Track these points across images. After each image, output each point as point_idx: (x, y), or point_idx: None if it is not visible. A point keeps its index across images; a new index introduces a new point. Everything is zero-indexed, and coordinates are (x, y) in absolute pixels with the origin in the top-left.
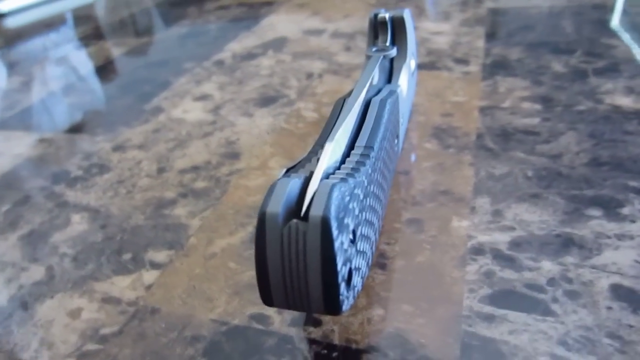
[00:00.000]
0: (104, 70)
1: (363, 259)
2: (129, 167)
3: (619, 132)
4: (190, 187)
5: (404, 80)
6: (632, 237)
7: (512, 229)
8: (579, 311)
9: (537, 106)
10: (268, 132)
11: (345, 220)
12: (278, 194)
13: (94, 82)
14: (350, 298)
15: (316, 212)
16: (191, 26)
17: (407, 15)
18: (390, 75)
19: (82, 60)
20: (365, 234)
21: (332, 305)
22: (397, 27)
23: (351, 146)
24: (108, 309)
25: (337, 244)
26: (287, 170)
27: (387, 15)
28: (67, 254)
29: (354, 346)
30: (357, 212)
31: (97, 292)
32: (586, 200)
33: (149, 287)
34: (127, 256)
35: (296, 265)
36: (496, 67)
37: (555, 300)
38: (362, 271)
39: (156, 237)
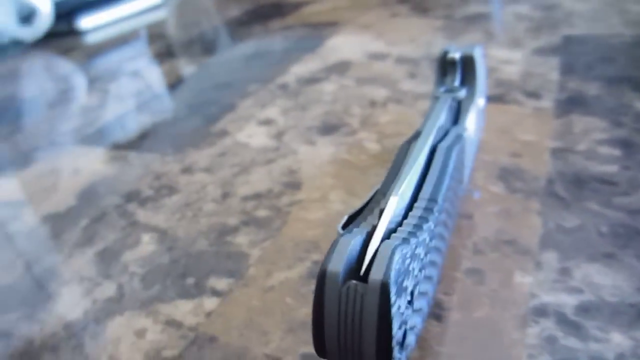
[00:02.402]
0: (174, 88)
1: (419, 316)
2: (195, 190)
3: None
4: (252, 215)
5: (471, 121)
6: None
7: (580, 291)
8: None
9: (617, 152)
10: (329, 162)
11: (405, 283)
12: (340, 252)
13: (166, 101)
14: (404, 358)
15: (376, 276)
16: (256, 46)
17: (477, 53)
18: (457, 116)
19: (155, 78)
20: (423, 291)
21: None
22: (467, 66)
23: (414, 197)
24: (170, 331)
25: (394, 309)
26: (349, 218)
27: (456, 56)
28: (136, 274)
29: None
30: (416, 272)
31: (161, 314)
32: None
33: (209, 315)
34: (190, 280)
35: (351, 324)
36: (571, 104)
37: None
38: (417, 329)
39: (218, 264)
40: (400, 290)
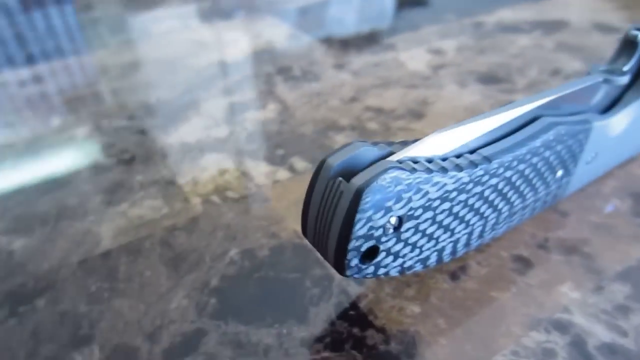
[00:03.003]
0: None
1: (412, 250)
2: (333, 85)
3: None
4: (362, 124)
5: (625, 118)
6: None
7: (624, 334)
8: None
9: None
10: (465, 108)
11: (388, 203)
12: (346, 151)
13: (367, 8)
14: (368, 271)
15: (358, 181)
16: None
17: None
18: (611, 106)
19: None
20: (430, 233)
21: (339, 266)
22: None
23: (474, 150)
24: (242, 180)
25: (363, 216)
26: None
27: (638, 35)
28: (247, 129)
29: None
30: (415, 204)
31: (243, 166)
32: None
33: (276, 182)
34: (280, 152)
35: (326, 215)
36: None
37: None
38: (405, 261)
39: (308, 149)
40: (381, 207)
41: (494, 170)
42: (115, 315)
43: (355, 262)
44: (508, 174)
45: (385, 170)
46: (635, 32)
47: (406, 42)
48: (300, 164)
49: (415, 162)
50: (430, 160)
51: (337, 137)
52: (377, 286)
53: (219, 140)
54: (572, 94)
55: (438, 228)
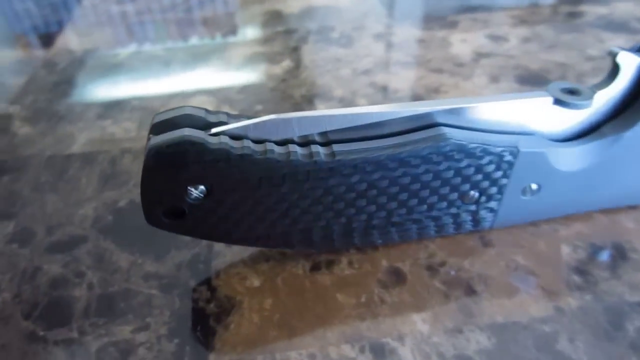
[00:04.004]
0: None
1: (226, 222)
2: (357, 54)
3: None
4: (353, 99)
5: (594, 152)
6: None
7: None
8: None
9: None
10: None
11: (180, 168)
12: (175, 111)
13: None
14: (175, 228)
15: (154, 140)
16: None
17: None
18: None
19: None
20: (249, 210)
21: (145, 212)
22: None
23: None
24: None
25: (148, 174)
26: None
27: (618, 53)
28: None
29: None
30: (217, 177)
31: None
32: None
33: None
34: (258, 107)
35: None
36: None
37: None
38: (217, 229)
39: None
40: (173, 169)
41: (336, 168)
42: (41, 205)
43: (156, 213)
44: (355, 178)
45: (182, 139)
46: (615, 50)
47: (472, 22)
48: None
49: (238, 138)
50: (255, 140)
51: (318, 107)
52: (240, 251)
53: (215, 85)
54: (500, 106)
55: (256, 206)
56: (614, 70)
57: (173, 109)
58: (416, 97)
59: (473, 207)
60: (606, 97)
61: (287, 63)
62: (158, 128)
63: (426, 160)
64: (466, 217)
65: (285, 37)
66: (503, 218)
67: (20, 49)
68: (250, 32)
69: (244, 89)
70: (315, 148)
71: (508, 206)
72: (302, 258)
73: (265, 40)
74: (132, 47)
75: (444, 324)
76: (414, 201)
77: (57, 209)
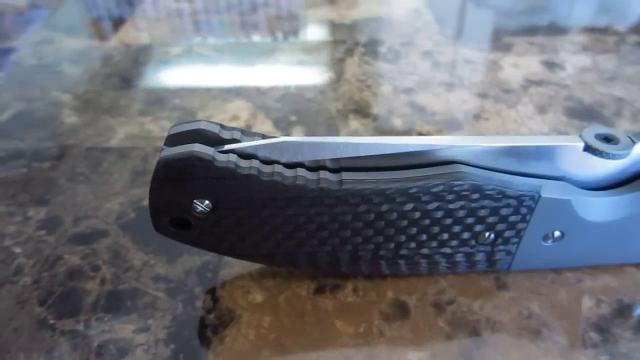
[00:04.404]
0: None
1: (230, 236)
2: (401, 71)
3: None
4: (388, 117)
5: (624, 204)
6: None
7: None
8: None
9: None
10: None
11: (189, 181)
12: (190, 125)
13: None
14: (182, 238)
15: (165, 152)
16: None
17: None
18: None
19: None
20: (252, 227)
21: (153, 219)
22: None
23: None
24: None
25: (156, 185)
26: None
27: None
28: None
29: None
30: (224, 193)
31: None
32: None
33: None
34: (292, 118)
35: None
36: None
37: None
38: (222, 242)
39: (316, 124)
40: (181, 182)
41: (342, 196)
42: (72, 195)
43: (163, 222)
44: (362, 208)
45: (190, 156)
46: None
47: (528, 45)
48: (296, 135)
49: (248, 157)
50: (264, 161)
51: (352, 123)
52: (249, 264)
53: (256, 90)
54: (524, 149)
55: (261, 225)
56: None
57: (189, 122)
58: (454, 122)
59: (488, 248)
60: None
61: (329, 74)
62: (172, 140)
63: (438, 198)
64: (481, 257)
65: (332, 47)
66: (521, 261)
67: (86, 39)
68: (301, 39)
69: (282, 98)
70: (324, 174)
71: (527, 250)
72: (309, 278)
73: (313, 49)
74: (183, 45)
75: None
76: (423, 236)
77: (87, 200)
